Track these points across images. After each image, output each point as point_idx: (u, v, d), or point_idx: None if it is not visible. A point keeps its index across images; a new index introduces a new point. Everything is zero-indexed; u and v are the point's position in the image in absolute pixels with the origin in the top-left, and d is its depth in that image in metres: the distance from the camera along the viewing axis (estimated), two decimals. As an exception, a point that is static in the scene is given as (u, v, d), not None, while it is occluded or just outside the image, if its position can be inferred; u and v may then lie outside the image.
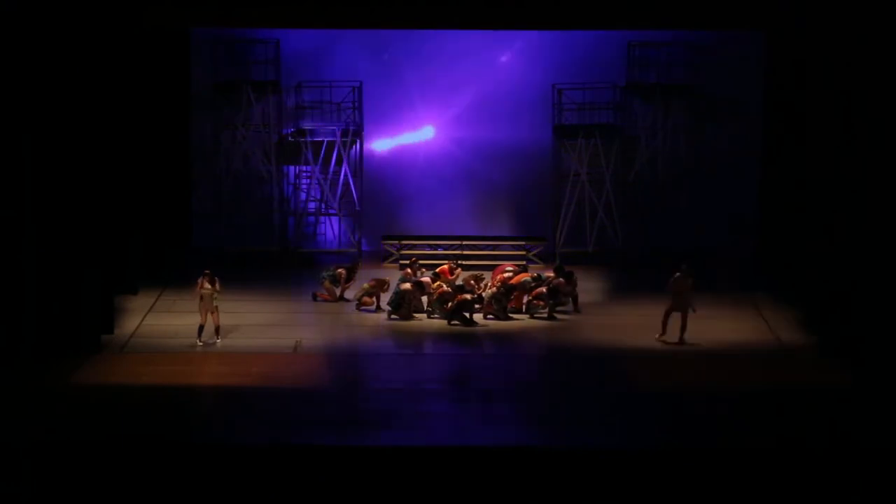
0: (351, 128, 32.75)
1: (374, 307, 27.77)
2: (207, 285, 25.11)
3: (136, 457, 18.83)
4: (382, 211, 32.79)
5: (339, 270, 28.70)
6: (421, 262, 29.12)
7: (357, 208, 32.80)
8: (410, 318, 27.19)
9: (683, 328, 25.44)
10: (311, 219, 32.98)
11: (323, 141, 32.82)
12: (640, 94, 32.78)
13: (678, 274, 25.57)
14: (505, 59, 32.86)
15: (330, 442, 19.68)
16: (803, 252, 27.21)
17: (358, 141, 32.98)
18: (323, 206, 32.92)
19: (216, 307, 25.17)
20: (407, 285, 27.38)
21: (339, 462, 18.92)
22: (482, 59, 32.83)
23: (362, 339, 26.13)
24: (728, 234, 32.08)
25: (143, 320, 26.80)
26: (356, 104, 32.80)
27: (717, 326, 26.72)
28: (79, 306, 24.39)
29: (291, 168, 33.04)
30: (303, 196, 32.97)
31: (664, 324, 25.52)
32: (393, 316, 27.16)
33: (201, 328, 25.14)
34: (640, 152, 32.93)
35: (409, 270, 28.23)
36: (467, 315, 26.87)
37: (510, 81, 32.90)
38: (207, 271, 25.32)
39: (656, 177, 32.97)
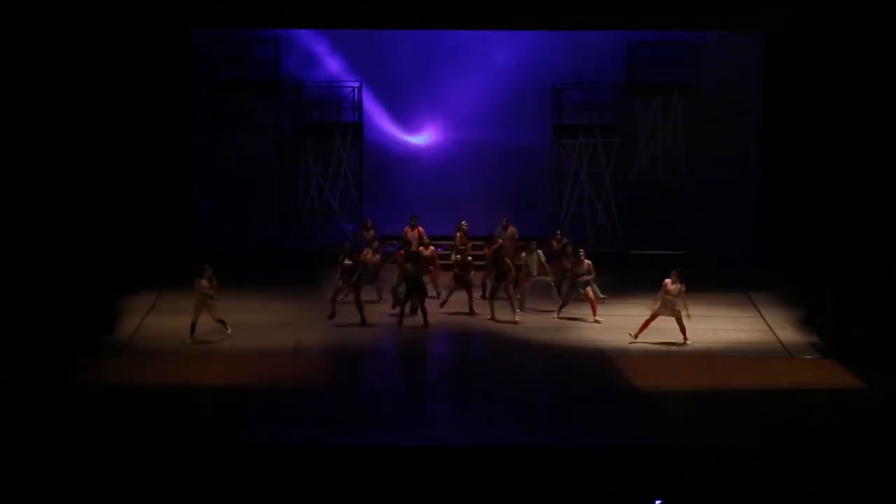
0: (351, 128, 32.79)
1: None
2: (205, 283, 25.13)
3: (135, 457, 18.82)
4: (383, 211, 32.79)
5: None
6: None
7: (357, 208, 32.81)
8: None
9: (682, 330, 25.43)
10: (312, 219, 32.98)
11: (323, 141, 32.85)
12: (640, 93, 32.79)
13: (668, 280, 25.51)
14: (505, 59, 32.86)
15: (330, 442, 19.68)
16: (803, 252, 27.23)
17: (358, 141, 33.00)
18: (323, 206, 32.95)
19: (211, 306, 25.19)
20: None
21: (339, 462, 18.92)
22: (482, 59, 32.84)
23: (362, 339, 26.11)
24: (728, 234, 32.09)
25: (143, 320, 26.79)
26: (356, 104, 32.82)
27: (717, 326, 26.75)
28: (79, 306, 24.38)
29: (291, 168, 33.04)
30: (303, 196, 32.97)
31: (645, 325, 25.51)
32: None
33: (193, 326, 25.16)
34: (640, 152, 32.96)
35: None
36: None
37: (510, 81, 32.91)
38: (206, 267, 25.31)
39: (656, 177, 32.99)
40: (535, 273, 28.01)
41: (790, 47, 28.52)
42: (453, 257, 28.16)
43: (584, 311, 27.37)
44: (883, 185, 23.98)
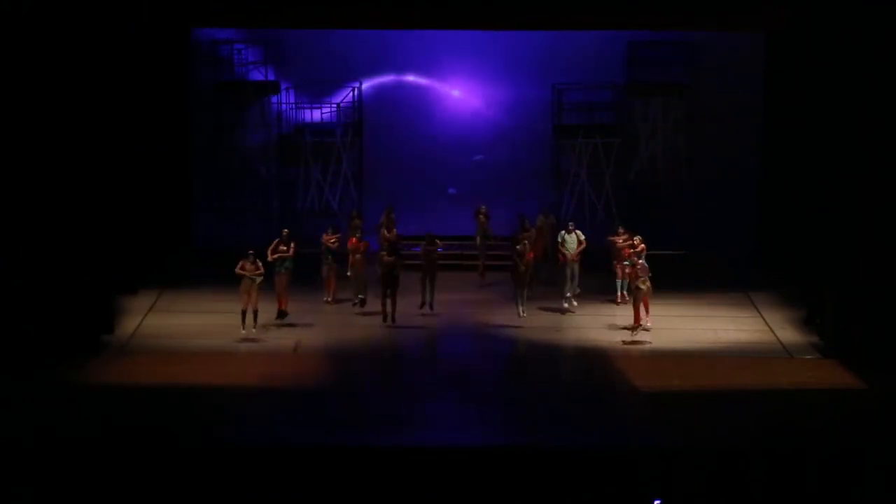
0: (351, 128, 32.79)
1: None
2: (249, 266, 25.15)
3: (135, 457, 18.82)
4: (382, 211, 32.75)
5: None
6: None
7: (357, 208, 32.79)
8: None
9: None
10: (312, 219, 32.98)
11: (323, 141, 32.85)
12: (640, 93, 32.79)
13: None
14: (505, 59, 32.84)
15: (330, 442, 19.68)
16: (803, 252, 27.23)
17: (358, 141, 33.00)
18: (323, 206, 32.95)
19: (256, 290, 25.27)
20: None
21: (339, 462, 18.91)
22: (482, 58, 32.83)
23: (362, 339, 26.10)
24: (728, 234, 32.08)
25: (143, 320, 26.80)
26: (356, 104, 32.82)
27: (717, 326, 26.75)
28: (79, 306, 24.38)
29: (291, 168, 33.04)
30: (302, 196, 32.96)
31: (637, 313, 25.68)
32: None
33: (244, 313, 25.28)
34: (640, 152, 32.96)
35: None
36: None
37: (510, 82, 32.90)
38: (251, 252, 25.34)
39: (656, 177, 32.99)
40: (574, 255, 27.70)
41: (790, 47, 28.52)
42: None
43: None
44: (883, 185, 23.97)
